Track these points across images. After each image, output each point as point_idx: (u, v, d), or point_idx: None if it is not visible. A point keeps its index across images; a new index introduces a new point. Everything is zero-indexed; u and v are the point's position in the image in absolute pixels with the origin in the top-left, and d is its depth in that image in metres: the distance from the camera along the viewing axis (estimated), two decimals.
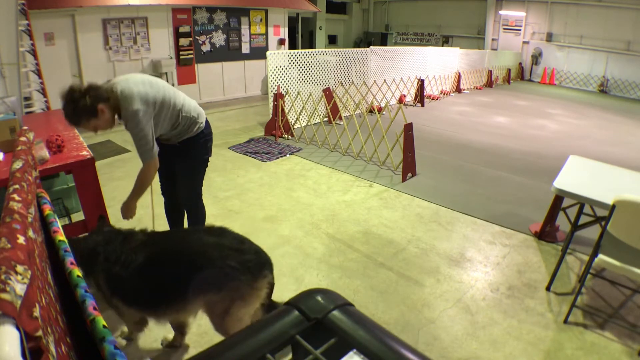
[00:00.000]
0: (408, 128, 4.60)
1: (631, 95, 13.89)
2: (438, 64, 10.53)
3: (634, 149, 6.78)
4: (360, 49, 8.15)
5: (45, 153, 2.35)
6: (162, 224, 2.89)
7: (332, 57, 7.46)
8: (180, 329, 2.10)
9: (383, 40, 19.55)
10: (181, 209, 2.73)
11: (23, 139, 1.52)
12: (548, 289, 2.74)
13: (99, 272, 1.68)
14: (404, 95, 9.25)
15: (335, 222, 3.63)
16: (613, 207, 2.10)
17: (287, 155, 5.47)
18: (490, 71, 13.40)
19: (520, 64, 16.32)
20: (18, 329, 0.52)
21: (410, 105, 9.37)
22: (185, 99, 2.37)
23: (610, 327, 2.39)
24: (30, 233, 0.87)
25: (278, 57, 6.51)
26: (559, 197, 3.14)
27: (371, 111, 7.48)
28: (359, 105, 6.53)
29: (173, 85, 8.04)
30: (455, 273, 2.93)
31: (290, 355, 0.58)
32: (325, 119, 6.96)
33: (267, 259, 1.75)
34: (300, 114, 6.61)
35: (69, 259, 1.14)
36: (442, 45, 17.24)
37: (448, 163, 5.41)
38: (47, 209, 1.44)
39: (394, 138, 4.89)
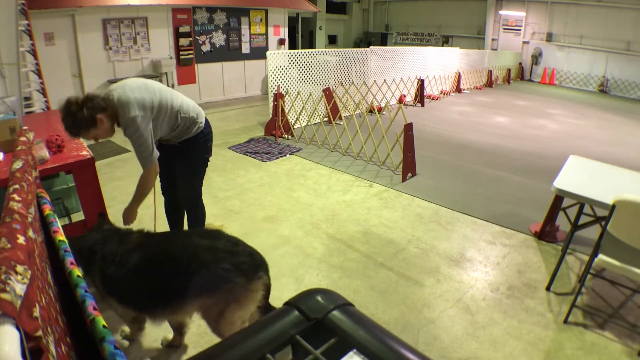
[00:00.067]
0: (408, 128, 4.60)
1: (631, 95, 13.89)
2: (438, 64, 10.53)
3: (634, 149, 6.78)
4: (360, 49, 8.15)
5: (45, 153, 2.35)
6: (162, 224, 2.89)
7: (332, 57, 7.46)
8: (179, 329, 2.11)
9: (383, 40, 19.55)
10: (181, 209, 2.73)
11: (23, 139, 1.53)
12: (548, 289, 2.74)
13: (96, 271, 1.69)
14: (404, 95, 9.24)
15: (335, 222, 3.63)
16: (613, 207, 2.10)
17: (287, 155, 5.47)
18: (490, 71, 13.40)
19: (520, 64, 16.32)
20: (18, 329, 0.52)
21: (410, 105, 9.37)
22: (184, 99, 2.36)
23: (610, 327, 2.39)
24: (30, 233, 0.87)
25: (278, 57, 6.51)
26: (559, 197, 3.14)
27: (371, 111, 7.48)
28: (359, 105, 6.53)
29: (173, 85, 8.09)
30: (455, 273, 2.93)
31: (290, 356, 0.58)
32: (325, 119, 6.95)
33: (262, 261, 1.73)
34: (300, 114, 6.61)
35: (69, 259, 1.14)
36: (442, 45, 17.24)
37: (448, 163, 5.40)
38: (47, 209, 1.44)
39: (394, 138, 4.89)
